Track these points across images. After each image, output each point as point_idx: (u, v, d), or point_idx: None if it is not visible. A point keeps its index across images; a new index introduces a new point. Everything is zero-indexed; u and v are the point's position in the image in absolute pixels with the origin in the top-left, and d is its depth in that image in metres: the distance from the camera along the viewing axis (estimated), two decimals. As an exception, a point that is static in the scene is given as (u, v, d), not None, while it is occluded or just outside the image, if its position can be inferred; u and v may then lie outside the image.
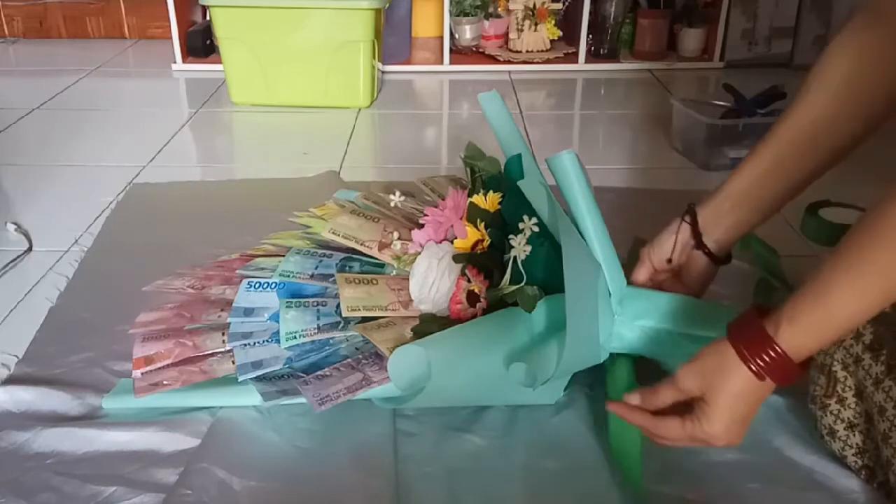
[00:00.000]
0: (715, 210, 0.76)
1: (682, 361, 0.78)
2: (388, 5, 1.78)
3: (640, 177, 1.38)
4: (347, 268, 0.84)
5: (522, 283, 0.75)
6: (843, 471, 0.69)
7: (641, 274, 0.79)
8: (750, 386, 0.58)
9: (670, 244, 0.78)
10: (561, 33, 2.12)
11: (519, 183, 0.73)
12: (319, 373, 0.75)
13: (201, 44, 2.05)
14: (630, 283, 0.78)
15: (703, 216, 0.76)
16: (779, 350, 0.56)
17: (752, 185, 0.74)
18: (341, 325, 0.78)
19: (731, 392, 0.58)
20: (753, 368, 0.57)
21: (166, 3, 1.97)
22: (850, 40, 0.67)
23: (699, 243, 0.77)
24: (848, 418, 0.68)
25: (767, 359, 0.56)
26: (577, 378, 0.79)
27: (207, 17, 2.06)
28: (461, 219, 0.82)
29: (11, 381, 0.80)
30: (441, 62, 2.07)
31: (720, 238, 0.76)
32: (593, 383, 0.80)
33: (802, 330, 0.56)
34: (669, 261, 0.78)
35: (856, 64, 0.67)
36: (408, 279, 0.79)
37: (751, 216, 0.75)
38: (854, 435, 0.68)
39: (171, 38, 2.03)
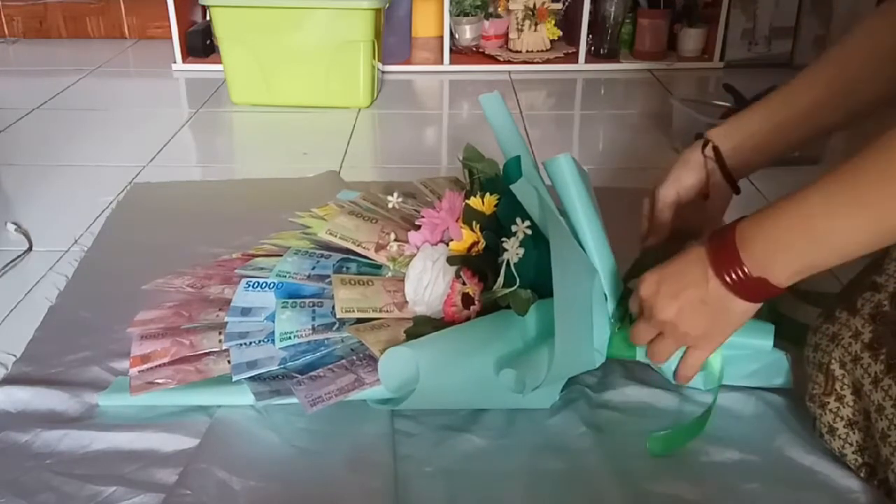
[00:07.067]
0: (737, 148, 0.78)
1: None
2: (388, 5, 1.78)
3: (640, 177, 1.38)
4: (345, 269, 0.84)
5: (515, 287, 0.75)
6: (843, 470, 0.69)
7: (666, 213, 0.81)
8: (702, 268, 0.62)
9: (695, 179, 0.80)
10: (561, 33, 2.12)
11: (511, 186, 0.73)
12: (313, 373, 0.75)
13: (201, 44, 2.05)
14: (653, 223, 0.81)
15: (725, 151, 0.79)
16: (746, 272, 0.59)
17: (778, 128, 0.76)
18: (336, 326, 0.78)
19: (681, 260, 0.63)
20: (728, 280, 0.60)
21: (166, 3, 1.97)
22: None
23: (728, 177, 0.79)
24: (847, 416, 0.68)
25: (736, 276, 0.60)
26: (576, 378, 0.79)
27: (207, 17, 2.06)
28: (457, 221, 0.81)
29: (9, 380, 0.80)
30: (441, 62, 2.07)
31: (738, 172, 0.79)
32: (593, 384, 0.80)
33: (780, 259, 0.58)
34: (706, 196, 0.80)
35: None
36: (403, 281, 0.79)
37: (767, 160, 0.78)
38: (854, 433, 0.68)
39: (171, 38, 2.03)
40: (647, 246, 0.84)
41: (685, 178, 0.80)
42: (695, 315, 0.64)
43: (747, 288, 0.61)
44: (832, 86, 0.73)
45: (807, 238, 0.57)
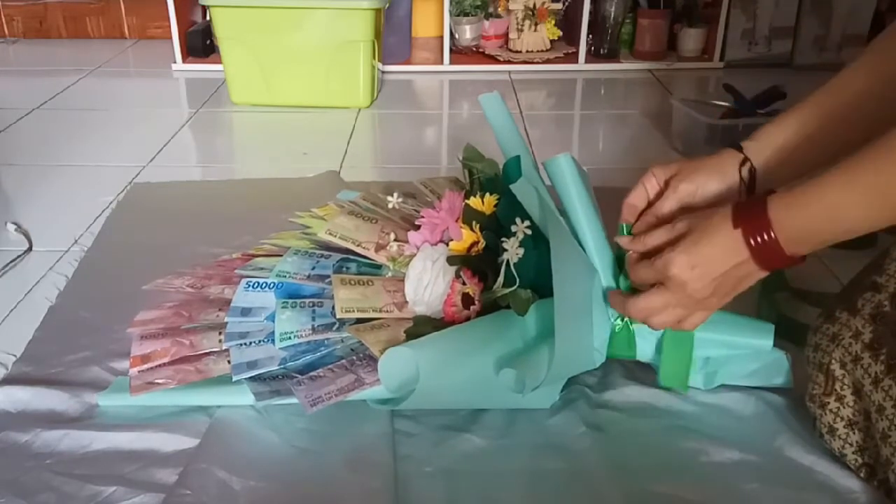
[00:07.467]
0: (766, 164, 0.73)
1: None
2: (388, 5, 1.78)
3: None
4: (345, 269, 0.84)
5: (515, 287, 0.75)
6: (843, 471, 0.69)
7: (668, 205, 0.73)
8: (736, 250, 0.62)
9: (719, 190, 0.73)
10: (561, 33, 2.12)
11: (511, 186, 0.73)
12: (313, 373, 0.75)
13: (201, 44, 2.05)
14: (652, 208, 0.74)
15: (757, 170, 0.73)
16: (783, 251, 0.61)
17: (805, 141, 0.72)
18: (336, 326, 0.78)
19: (714, 242, 0.63)
20: (752, 243, 0.61)
21: (166, 3, 1.97)
22: None
23: (751, 192, 0.73)
24: (847, 416, 0.68)
25: (761, 240, 0.61)
26: (576, 378, 0.79)
27: (207, 17, 2.06)
28: (457, 221, 0.81)
29: (9, 380, 0.80)
30: (441, 62, 2.06)
31: (760, 187, 0.74)
32: (593, 384, 0.80)
33: (809, 240, 0.60)
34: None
35: None
36: (403, 281, 0.79)
37: (790, 172, 0.73)
38: (854, 433, 0.68)
39: (171, 38, 2.03)
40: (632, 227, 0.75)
41: (711, 184, 0.73)
42: (725, 291, 0.66)
43: (778, 263, 0.63)
44: (865, 92, 0.70)
45: (834, 224, 0.59)
